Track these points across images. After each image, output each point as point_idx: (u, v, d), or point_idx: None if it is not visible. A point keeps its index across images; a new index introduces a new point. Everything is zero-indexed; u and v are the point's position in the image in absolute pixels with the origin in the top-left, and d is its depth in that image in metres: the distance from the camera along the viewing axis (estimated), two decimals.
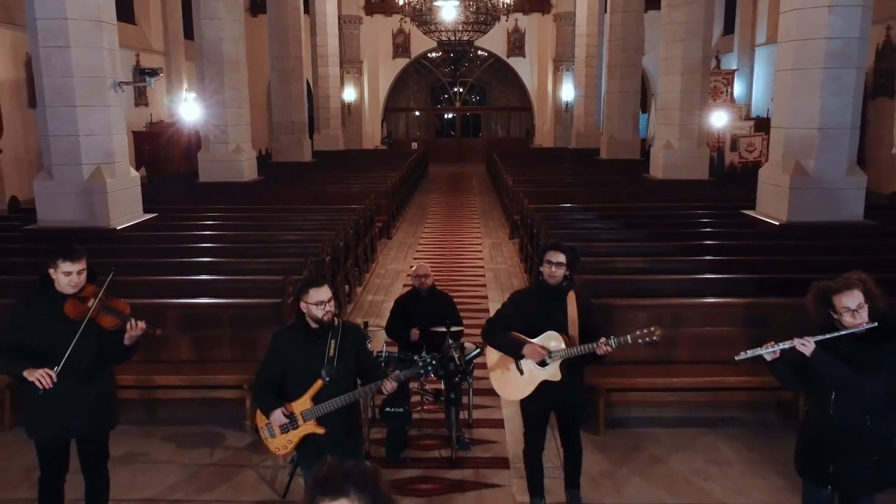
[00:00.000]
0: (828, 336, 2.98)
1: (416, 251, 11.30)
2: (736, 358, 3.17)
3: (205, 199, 10.87)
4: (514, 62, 27.20)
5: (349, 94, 25.43)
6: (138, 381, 5.02)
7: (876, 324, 2.95)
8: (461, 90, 28.61)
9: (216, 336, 5.25)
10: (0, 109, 12.64)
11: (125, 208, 8.36)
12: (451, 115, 29.66)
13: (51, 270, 3.42)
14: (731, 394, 5.04)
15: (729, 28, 22.29)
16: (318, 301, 3.37)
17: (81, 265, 3.43)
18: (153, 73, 8.30)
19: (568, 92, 24.95)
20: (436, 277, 5.46)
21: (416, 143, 27.56)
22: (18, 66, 14.13)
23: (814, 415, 3.18)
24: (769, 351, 3.06)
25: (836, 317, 3.00)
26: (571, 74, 23.92)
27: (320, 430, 3.44)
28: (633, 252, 7.20)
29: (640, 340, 3.49)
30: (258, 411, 3.63)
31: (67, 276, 3.39)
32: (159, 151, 16.82)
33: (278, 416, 3.45)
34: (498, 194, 16.60)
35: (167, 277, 6.13)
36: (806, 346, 2.96)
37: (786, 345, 3.01)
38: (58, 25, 7.58)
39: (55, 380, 3.28)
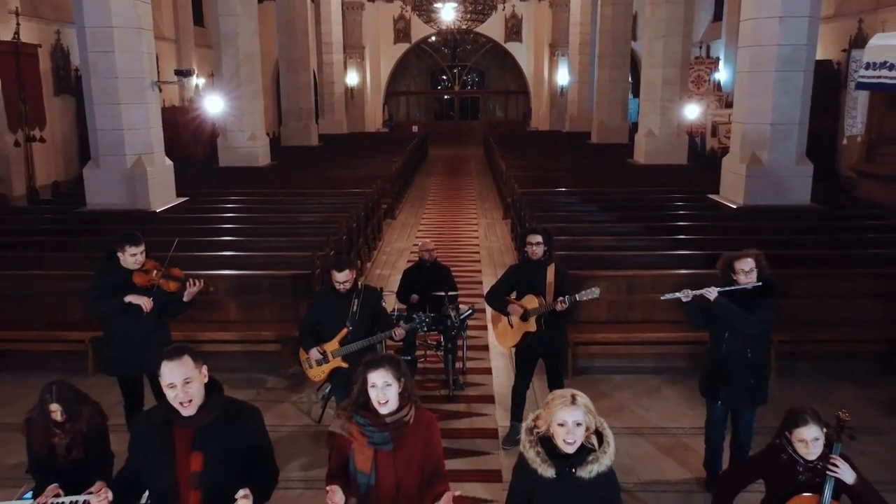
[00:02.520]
0: (727, 288, 4.16)
1: (418, 231, 12.43)
2: (661, 297, 4.31)
3: (226, 184, 12.00)
4: (511, 47, 28.10)
5: (352, 78, 26.36)
6: (186, 337, 6.09)
7: (760, 283, 4.14)
8: (461, 71, 29.43)
9: (258, 300, 6.43)
10: (43, 101, 13.56)
11: (162, 193, 9.48)
12: (450, 97, 30.56)
13: (119, 253, 4.54)
14: (674, 347, 6.24)
15: (718, 15, 23.10)
16: (336, 281, 4.60)
17: (143, 247, 4.58)
18: (187, 73, 9.34)
19: (563, 77, 25.71)
20: (436, 254, 6.62)
21: (416, 126, 28.52)
22: (44, 56, 15.02)
23: (711, 350, 4.35)
24: (686, 295, 4.18)
25: (734, 277, 4.17)
26: (566, 60, 24.76)
27: (345, 365, 4.62)
28: (607, 232, 8.35)
29: (585, 297, 4.65)
30: (301, 349, 4.84)
31: (133, 256, 4.53)
32: (179, 138, 17.83)
33: (315, 352, 4.70)
34: (494, 178, 17.64)
35: (209, 253, 7.26)
36: (711, 292, 4.11)
37: (697, 292, 4.15)
38: (103, 33, 8.63)
39: (153, 305, 4.47)
